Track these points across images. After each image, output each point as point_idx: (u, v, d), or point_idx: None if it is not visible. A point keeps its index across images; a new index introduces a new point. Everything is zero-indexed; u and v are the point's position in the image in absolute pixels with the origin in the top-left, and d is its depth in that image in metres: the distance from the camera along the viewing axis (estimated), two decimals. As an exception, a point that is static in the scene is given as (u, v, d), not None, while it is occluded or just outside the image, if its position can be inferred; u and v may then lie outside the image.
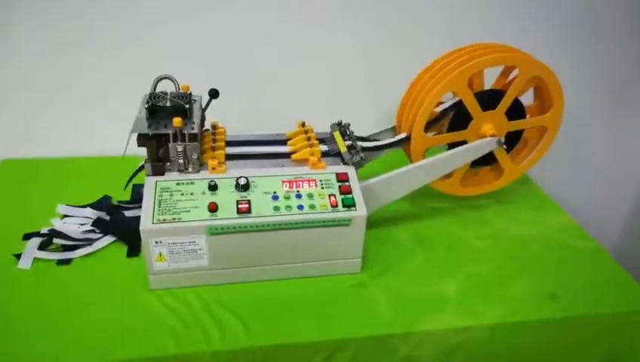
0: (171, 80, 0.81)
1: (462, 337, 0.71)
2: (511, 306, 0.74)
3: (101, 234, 0.83)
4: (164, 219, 0.69)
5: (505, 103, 0.82)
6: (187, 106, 0.75)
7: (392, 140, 0.86)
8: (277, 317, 0.71)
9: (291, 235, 0.73)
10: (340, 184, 0.76)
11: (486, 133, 0.83)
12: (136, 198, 0.91)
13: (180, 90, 0.81)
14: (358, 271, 0.79)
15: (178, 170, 0.75)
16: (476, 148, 0.83)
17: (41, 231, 0.83)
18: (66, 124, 1.06)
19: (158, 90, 0.79)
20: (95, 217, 0.86)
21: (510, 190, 0.98)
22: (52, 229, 0.83)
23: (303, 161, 0.80)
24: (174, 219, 0.69)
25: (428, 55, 0.88)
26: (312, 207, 0.73)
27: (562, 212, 0.97)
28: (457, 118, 0.84)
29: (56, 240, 0.80)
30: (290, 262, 0.76)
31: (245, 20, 1.01)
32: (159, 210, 0.70)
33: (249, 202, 0.72)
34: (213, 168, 0.75)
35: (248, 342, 0.67)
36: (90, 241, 0.81)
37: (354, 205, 0.74)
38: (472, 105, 0.82)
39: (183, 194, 0.72)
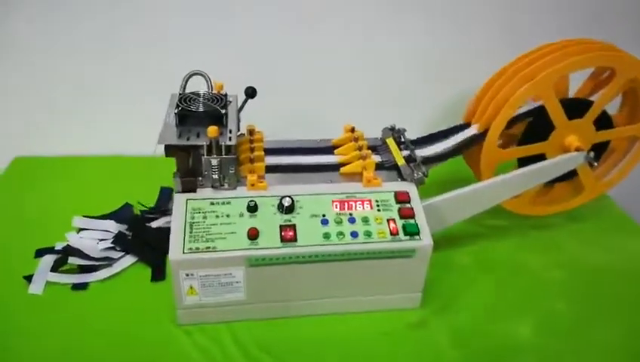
0: (203, 76, 0.69)
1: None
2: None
3: (122, 253, 0.73)
4: (197, 248, 0.59)
5: (595, 110, 0.70)
6: (223, 112, 0.64)
7: (464, 140, 0.73)
8: (320, 360, 0.60)
9: (342, 267, 0.62)
10: (399, 206, 0.65)
11: (570, 145, 0.71)
12: (162, 204, 0.81)
13: (214, 90, 0.69)
14: (417, 306, 0.68)
15: (212, 186, 0.64)
16: (560, 164, 0.71)
17: (55, 247, 0.73)
18: (85, 118, 0.95)
19: (188, 89, 0.68)
20: (116, 231, 0.76)
21: (582, 205, 0.86)
22: (67, 245, 0.73)
23: (353, 175, 0.69)
24: (208, 248, 0.59)
25: (488, 55, 0.76)
26: (368, 234, 0.62)
27: (644, 233, 0.84)
28: (534, 128, 0.72)
29: (71, 260, 0.71)
30: (338, 296, 0.65)
31: (284, 8, 0.89)
32: (191, 236, 0.59)
33: (294, 227, 0.61)
34: (253, 185, 0.64)
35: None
36: (109, 261, 0.71)
37: (418, 233, 0.63)
38: (557, 113, 0.69)
39: (217, 216, 0.62)
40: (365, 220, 0.63)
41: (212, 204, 0.63)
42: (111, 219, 0.78)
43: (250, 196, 0.63)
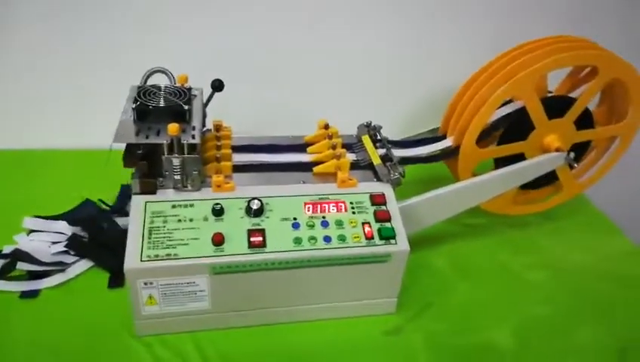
0: (165, 73, 0.65)
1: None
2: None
3: (77, 257, 0.67)
4: (157, 256, 0.54)
5: (577, 109, 0.67)
6: (186, 107, 0.59)
7: (436, 151, 0.71)
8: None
9: (314, 273, 0.58)
10: (375, 208, 0.61)
11: (550, 145, 0.68)
12: (123, 202, 0.75)
13: (176, 83, 0.64)
14: (393, 312, 0.65)
15: (174, 187, 0.59)
16: (540, 165, 0.68)
17: (2, 251, 0.67)
18: (42, 110, 0.89)
19: (151, 82, 0.63)
20: (70, 233, 0.70)
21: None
22: (16, 249, 0.67)
23: (327, 175, 0.65)
24: (169, 255, 0.54)
25: (470, 49, 0.73)
26: (342, 238, 0.58)
27: (620, 233, 0.83)
28: (513, 127, 0.69)
29: (20, 265, 0.65)
30: (309, 303, 0.62)
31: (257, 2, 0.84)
32: (150, 243, 0.55)
33: (263, 232, 0.57)
34: (219, 186, 0.60)
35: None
36: (62, 266, 0.66)
37: (394, 237, 0.59)
38: (537, 113, 0.67)
39: (180, 221, 0.57)
40: (339, 223, 0.60)
41: (174, 206, 0.58)
42: (66, 220, 0.72)
43: (216, 198, 0.59)
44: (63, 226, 0.71)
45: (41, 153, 0.88)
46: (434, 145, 0.71)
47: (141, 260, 0.53)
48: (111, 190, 0.78)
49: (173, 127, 0.55)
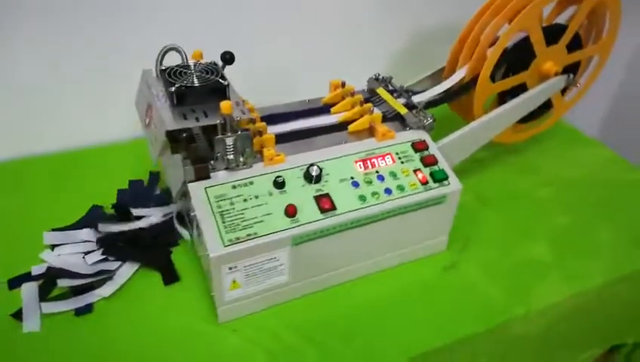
0: (178, 51, 0.61)
1: (575, 302, 0.65)
2: (608, 259, 0.69)
3: (118, 262, 0.63)
4: (237, 238, 0.53)
5: (569, 34, 0.73)
6: (226, 83, 0.57)
7: (453, 87, 0.73)
8: (375, 325, 0.59)
9: (379, 227, 0.60)
10: (419, 154, 0.64)
11: (549, 71, 0.74)
12: (123, 203, 0.71)
13: (189, 60, 0.61)
14: (444, 250, 0.68)
15: (226, 168, 0.57)
16: (546, 90, 0.74)
17: (33, 273, 0.61)
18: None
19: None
20: (95, 239, 0.65)
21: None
22: (49, 267, 0.62)
23: (361, 132, 0.66)
24: (249, 235, 0.53)
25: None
26: (401, 188, 0.60)
27: (600, 144, 0.92)
28: (517, 59, 0.74)
29: (61, 282, 0.60)
30: (373, 256, 0.63)
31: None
32: (226, 227, 0.53)
33: (329, 196, 0.58)
34: (271, 159, 0.59)
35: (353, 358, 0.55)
36: (106, 274, 0.62)
37: (446, 178, 0.62)
38: (539, 42, 0.72)
39: (245, 200, 0.55)
40: (393, 175, 0.61)
41: (234, 187, 0.56)
42: (84, 227, 0.67)
43: (272, 171, 0.58)
44: (86, 234, 0.66)
45: (23, 162, 0.80)
46: (449, 80, 0.73)
47: (224, 245, 0.52)
48: (104, 189, 0.73)
49: (226, 105, 0.53)
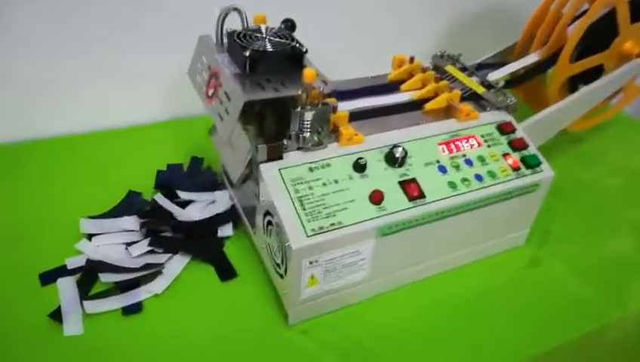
0: (240, 12, 0.53)
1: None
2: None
3: (168, 254, 0.55)
4: (321, 228, 0.45)
5: (654, 10, 0.67)
6: (305, 49, 0.49)
7: (528, 67, 0.67)
8: (456, 328, 0.52)
9: (467, 218, 0.53)
10: (506, 137, 0.57)
11: (631, 51, 0.68)
12: (163, 186, 0.63)
13: (254, 24, 0.53)
14: (522, 244, 0.62)
15: (299, 148, 0.50)
16: (629, 71, 0.68)
17: (68, 266, 0.53)
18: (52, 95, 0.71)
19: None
20: (138, 228, 0.57)
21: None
22: (88, 260, 0.54)
23: (438, 112, 0.59)
24: (333, 224, 0.46)
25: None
26: (492, 175, 0.54)
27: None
28: (596, 37, 0.67)
29: (104, 277, 0.52)
30: (454, 251, 0.57)
31: None
32: (307, 215, 0.46)
33: (416, 182, 0.51)
34: (349, 139, 0.51)
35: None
36: (155, 268, 0.54)
37: (539, 164, 0.56)
38: (625, 18, 0.65)
39: (325, 184, 0.48)
40: (481, 159, 0.55)
41: (311, 170, 0.49)
42: (123, 215, 0.59)
43: (351, 153, 0.51)
44: (129, 222, 0.58)
45: (38, 143, 0.72)
46: (519, 63, 0.67)
47: (307, 235, 0.45)
48: (136, 173, 0.66)
49: (309, 73, 0.45)
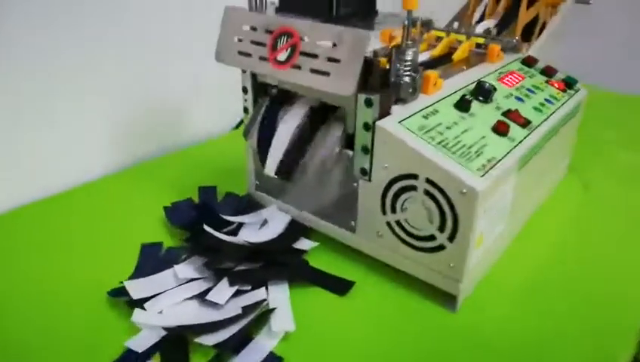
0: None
1: None
2: None
3: (259, 289, 0.41)
4: (483, 166, 0.38)
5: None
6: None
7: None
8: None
9: (555, 142, 0.51)
10: (535, 69, 0.57)
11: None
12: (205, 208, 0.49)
13: None
14: (566, 175, 0.62)
15: (398, 100, 0.42)
16: None
17: (133, 347, 0.36)
18: None
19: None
20: (195, 275, 0.42)
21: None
22: (167, 328, 0.36)
23: (465, 62, 0.57)
24: (490, 161, 0.39)
25: None
26: (555, 98, 0.53)
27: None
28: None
29: (204, 340, 0.35)
30: (543, 186, 0.54)
31: None
32: (461, 156, 0.38)
33: (517, 111, 0.47)
34: (435, 84, 0.45)
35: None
36: (260, 308, 0.39)
37: (576, 82, 0.57)
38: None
39: (449, 128, 0.41)
40: (536, 87, 0.54)
41: (425, 117, 0.41)
42: (143, 274, 0.43)
43: (443, 96, 0.45)
44: (186, 270, 0.42)
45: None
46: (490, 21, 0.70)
47: (480, 176, 0.37)
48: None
49: (411, 1, 0.39)
